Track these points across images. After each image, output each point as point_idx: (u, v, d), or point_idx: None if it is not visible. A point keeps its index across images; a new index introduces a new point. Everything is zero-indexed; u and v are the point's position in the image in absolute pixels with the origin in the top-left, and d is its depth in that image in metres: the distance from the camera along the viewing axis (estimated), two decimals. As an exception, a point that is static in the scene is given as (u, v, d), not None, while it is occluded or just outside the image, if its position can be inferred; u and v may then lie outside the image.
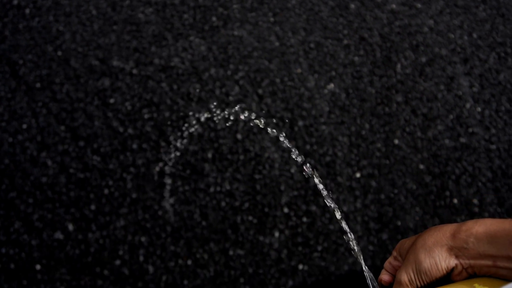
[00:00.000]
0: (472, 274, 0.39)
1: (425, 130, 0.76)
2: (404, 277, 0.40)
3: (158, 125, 0.61)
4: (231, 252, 0.60)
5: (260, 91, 0.64)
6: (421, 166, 0.73)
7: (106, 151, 0.60)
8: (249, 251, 0.61)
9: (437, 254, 0.39)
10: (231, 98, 0.63)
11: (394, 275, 0.44)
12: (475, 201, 0.76)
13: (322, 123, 0.67)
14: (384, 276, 0.44)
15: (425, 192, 0.72)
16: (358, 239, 0.66)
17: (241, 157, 0.61)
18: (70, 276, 0.59)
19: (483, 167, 0.78)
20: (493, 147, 0.80)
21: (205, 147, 0.60)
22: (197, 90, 0.62)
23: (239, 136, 0.62)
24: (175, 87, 0.62)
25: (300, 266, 0.62)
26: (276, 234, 0.62)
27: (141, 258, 0.59)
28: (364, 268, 0.41)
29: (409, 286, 0.40)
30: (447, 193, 0.74)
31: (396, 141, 0.73)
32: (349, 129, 0.69)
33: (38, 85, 0.63)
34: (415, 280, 0.40)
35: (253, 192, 0.61)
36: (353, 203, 0.67)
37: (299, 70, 0.68)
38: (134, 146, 0.60)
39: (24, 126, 0.62)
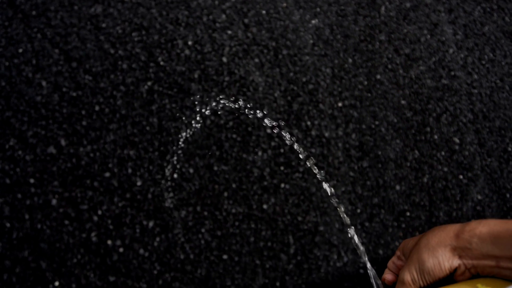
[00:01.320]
0: (475, 274, 0.43)
1: (407, 69, 0.85)
2: (407, 276, 0.44)
3: (147, 47, 0.70)
4: (215, 168, 0.69)
5: (246, 20, 0.73)
6: (403, 102, 0.82)
7: (97, 71, 0.69)
8: (233, 168, 0.69)
9: (440, 254, 0.42)
10: (218, 25, 0.72)
11: (397, 274, 0.49)
12: (456, 139, 0.85)
13: (305, 53, 0.76)
14: (387, 276, 0.49)
15: (406, 126, 0.81)
16: (339, 164, 0.75)
17: (226, 78, 0.70)
18: (62, 188, 0.67)
19: (464, 109, 0.87)
20: (475, 91, 0.89)
21: (192, 68, 0.69)
22: (185, 17, 0.71)
23: (224, 59, 0.71)
24: (164, 13, 0.71)
25: (282, 185, 0.71)
26: (259, 153, 0.70)
27: (130, 171, 0.67)
28: (368, 267, 0.48)
29: (412, 285, 0.44)
30: (428, 129, 0.83)
31: (378, 76, 0.82)
32: (332, 62, 0.78)
33: (34, 12, 0.72)
34: (418, 279, 0.43)
35: (237, 111, 0.69)
36: (335, 130, 0.75)
37: (284, 4, 0.77)
38: (124, 66, 0.69)
39: (20, 50, 0.70)
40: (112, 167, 0.67)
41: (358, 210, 0.75)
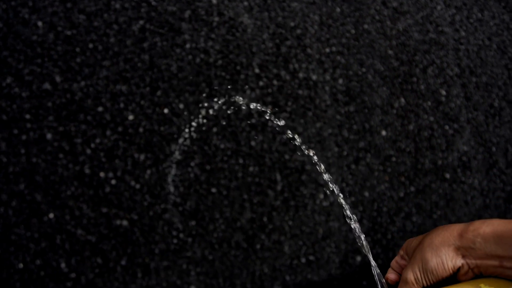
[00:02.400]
0: (478, 274, 0.46)
1: (395, 21, 0.93)
2: (410, 275, 0.47)
3: (140, -11, 0.78)
4: (205, 104, 0.76)
5: (235, -34, 0.82)
6: (390, 52, 0.91)
7: (91, 10, 0.77)
8: (221, 104, 0.76)
9: (443, 254, 0.45)
10: (207, -30, 0.80)
11: (400, 274, 0.52)
12: (442, 91, 0.94)
13: (294, 0, 0.84)
14: (391, 275, 0.52)
15: (392, 74, 0.89)
16: (326, 107, 0.83)
17: (216, 19, 0.77)
18: (56, 123, 0.74)
19: (451, 63, 0.96)
20: (462, 47, 0.98)
21: (183, 8, 0.77)
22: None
23: (214, 1, 0.79)
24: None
25: (269, 123, 0.78)
26: (248, 91, 0.78)
27: (122, 106, 0.75)
28: (372, 266, 0.54)
29: (415, 285, 0.47)
30: (414, 79, 0.91)
31: (366, 26, 0.90)
32: (320, 10, 0.86)
33: (29, -43, 0.80)
34: (421, 279, 0.46)
35: (226, 51, 0.77)
36: (322, 75, 0.83)
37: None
38: (117, 6, 0.77)
39: (15, -8, 0.78)
40: (105, 102, 0.74)
41: (345, 153, 0.83)
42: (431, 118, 0.91)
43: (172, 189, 0.75)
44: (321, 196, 0.80)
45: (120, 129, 0.76)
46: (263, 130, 0.78)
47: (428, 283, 0.47)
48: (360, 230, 0.56)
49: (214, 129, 0.77)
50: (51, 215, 0.75)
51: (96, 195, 0.76)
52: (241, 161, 0.77)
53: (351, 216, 0.56)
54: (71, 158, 0.76)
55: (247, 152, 0.78)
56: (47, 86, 0.76)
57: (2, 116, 0.75)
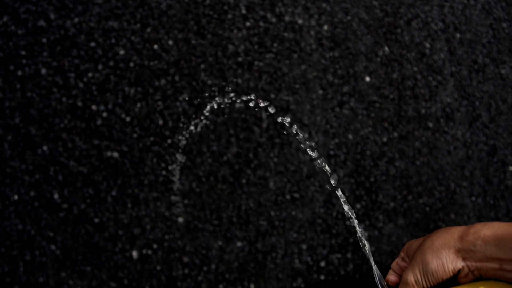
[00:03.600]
0: (478, 277, 0.56)
1: (377, -25, 1.21)
2: (410, 277, 0.57)
3: None
4: (193, 41, 1.01)
5: None
6: (374, 2, 1.18)
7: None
8: (209, 42, 1.01)
9: (444, 256, 0.55)
10: None
11: (401, 275, 0.63)
12: (426, 44, 1.21)
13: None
14: (391, 277, 0.63)
15: (377, 24, 1.16)
16: (311, 51, 1.08)
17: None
18: (50, 58, 0.98)
19: (435, 18, 1.23)
20: (447, 4, 1.26)
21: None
22: None
23: None
24: None
25: (256, 62, 1.03)
26: (235, 31, 1.03)
27: (113, 41, 0.99)
28: (373, 267, 0.64)
29: (415, 286, 0.57)
30: (398, 30, 1.18)
31: (349, -22, 1.17)
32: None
33: None
34: (422, 281, 0.57)
35: (214, -8, 1.02)
36: (308, 20, 1.09)
37: None
38: None
39: None
40: (97, 37, 0.98)
41: (329, 96, 1.08)
42: (415, 69, 1.17)
43: (161, 122, 0.99)
44: (306, 135, 1.05)
45: (111, 63, 1.00)
46: (250, 69, 1.03)
47: (429, 285, 0.58)
48: (363, 233, 0.72)
49: (202, 66, 1.01)
50: (45, 148, 0.97)
51: (88, 128, 0.98)
52: (227, 97, 1.01)
53: (356, 223, 0.74)
54: (65, 92, 0.99)
55: (233, 89, 1.02)
56: (42, 23, 1.00)
57: (-5, 51, 0.98)
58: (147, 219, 0.97)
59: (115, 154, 0.97)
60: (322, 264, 1.03)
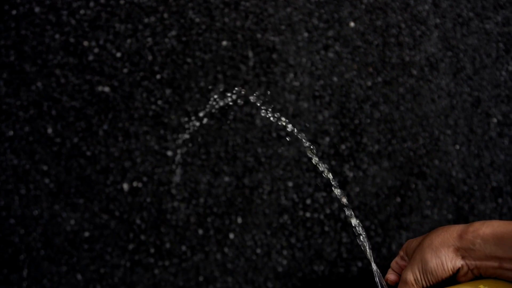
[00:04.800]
0: (477, 275, 0.67)
1: None
2: (410, 276, 0.69)
3: None
4: (182, -19, 1.33)
5: None
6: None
7: None
8: (198, -17, 1.34)
9: (443, 254, 0.66)
10: None
11: (400, 274, 0.76)
12: (410, -6, 1.55)
13: None
14: (390, 276, 0.76)
15: (359, -28, 1.50)
16: (295, -5, 1.41)
17: None
18: (39, -7, 1.28)
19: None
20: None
21: None
22: None
23: None
24: None
25: (242, 3, 1.36)
26: (222, -27, 1.35)
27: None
28: (373, 267, 0.77)
29: (415, 285, 0.69)
30: (382, -21, 1.53)
31: None
32: None
33: None
34: (421, 279, 0.68)
35: None
36: (291, -34, 1.42)
37: None
38: None
39: None
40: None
41: (315, 39, 1.40)
42: (399, 18, 1.50)
43: (150, 57, 1.29)
44: (291, 75, 1.35)
45: (102, 1, 1.30)
46: (236, 9, 1.34)
47: (428, 284, 0.68)
48: (365, 238, 0.88)
49: (190, 4, 1.32)
50: (39, 84, 1.26)
51: (80, 63, 1.27)
52: (214, 35, 1.31)
53: (356, 223, 0.92)
54: (57, 29, 1.28)
55: (220, 27, 1.32)
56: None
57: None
58: (137, 153, 1.27)
59: (106, 89, 1.27)
60: (308, 201, 1.34)
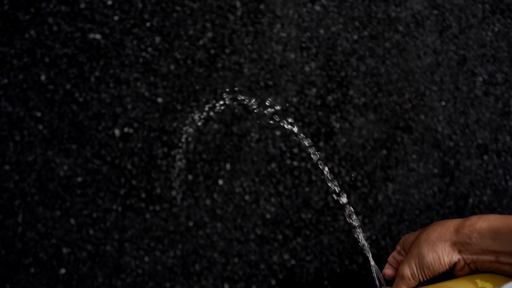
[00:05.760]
0: (474, 270, 0.77)
1: None
2: (406, 270, 0.79)
3: None
4: None
5: None
6: None
7: None
8: None
9: (440, 249, 0.76)
10: None
11: (397, 269, 0.87)
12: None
13: None
14: (388, 271, 0.88)
15: None
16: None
17: None
18: None
19: None
20: None
21: None
22: None
23: None
24: None
25: None
26: None
27: None
28: (371, 263, 0.89)
29: (411, 279, 0.80)
30: None
31: None
32: None
33: None
34: (418, 274, 0.79)
35: None
36: None
37: None
38: None
39: None
40: None
41: (300, -8, 1.72)
42: (384, -26, 1.83)
43: (140, 5, 1.58)
44: (278, 26, 1.66)
45: (93, -51, 1.60)
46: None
47: (425, 278, 0.79)
48: (363, 237, 1.00)
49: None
50: (32, 32, 1.51)
51: (72, 11, 1.54)
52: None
53: (356, 224, 0.99)
54: (46, -26, 1.57)
55: (210, -22, 1.63)
56: None
57: None
58: (128, 99, 1.56)
59: (98, 36, 1.57)
60: (295, 150, 1.65)
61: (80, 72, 1.45)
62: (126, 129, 1.45)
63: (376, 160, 1.63)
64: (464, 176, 1.67)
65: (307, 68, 1.62)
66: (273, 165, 1.51)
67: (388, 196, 1.63)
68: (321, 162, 1.55)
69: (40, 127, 1.47)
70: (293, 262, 1.58)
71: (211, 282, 1.49)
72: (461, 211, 1.65)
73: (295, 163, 1.52)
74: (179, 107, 1.47)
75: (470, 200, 1.67)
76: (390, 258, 0.93)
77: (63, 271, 1.46)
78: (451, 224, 0.80)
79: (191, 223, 1.46)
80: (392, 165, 1.63)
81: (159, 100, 1.47)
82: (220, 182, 1.48)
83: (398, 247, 0.91)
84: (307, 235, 1.57)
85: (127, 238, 1.46)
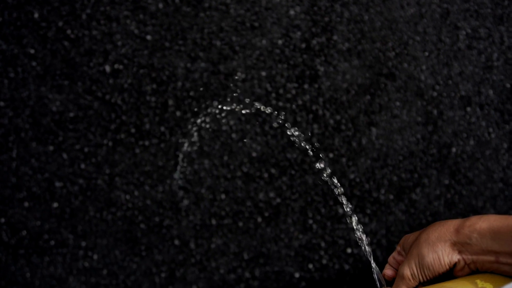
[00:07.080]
0: (474, 270, 0.87)
1: None
2: (406, 271, 0.90)
3: None
4: None
5: None
6: None
7: None
8: None
9: (440, 249, 0.86)
10: None
11: (397, 269, 0.97)
12: None
13: None
14: (388, 271, 0.98)
15: None
16: None
17: None
18: None
19: None
20: None
21: None
22: None
23: None
24: None
25: None
26: None
27: None
28: (372, 265, 0.99)
29: (411, 280, 0.90)
30: None
31: None
32: None
33: None
34: (418, 274, 0.89)
35: None
36: None
37: None
38: None
39: None
40: None
41: None
42: None
43: None
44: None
45: None
46: None
47: (425, 279, 0.89)
48: (366, 239, 1.10)
49: None
50: None
51: None
52: None
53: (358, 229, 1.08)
54: None
55: None
56: None
57: None
58: (118, 36, 1.94)
59: (87, -26, 1.97)
60: (281, 91, 2.05)
61: (71, 10, 1.72)
62: (116, 66, 1.74)
63: (360, 104, 1.89)
64: (447, 126, 1.92)
65: (291, 12, 1.90)
66: (259, 105, 1.81)
67: (372, 141, 1.89)
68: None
69: (34, 63, 1.75)
70: (278, 200, 1.87)
71: (198, 217, 1.79)
72: (444, 159, 1.92)
73: (280, 104, 1.84)
74: (167, 44, 1.84)
75: (453, 150, 1.93)
76: (390, 259, 1.04)
77: (55, 205, 1.78)
78: (451, 224, 0.91)
79: (179, 159, 1.82)
80: (375, 110, 1.88)
81: (148, 37, 1.80)
82: (207, 119, 1.83)
83: (398, 248, 1.02)
84: (292, 174, 1.86)
85: (118, 172, 1.75)
